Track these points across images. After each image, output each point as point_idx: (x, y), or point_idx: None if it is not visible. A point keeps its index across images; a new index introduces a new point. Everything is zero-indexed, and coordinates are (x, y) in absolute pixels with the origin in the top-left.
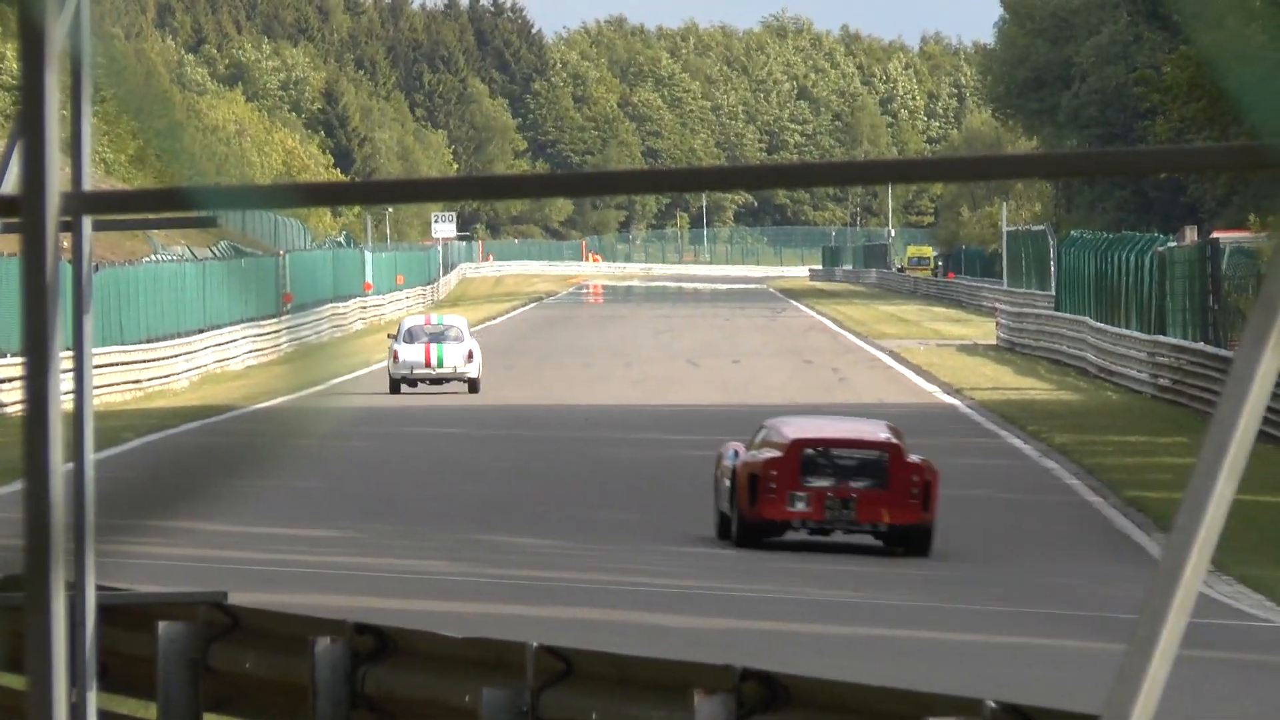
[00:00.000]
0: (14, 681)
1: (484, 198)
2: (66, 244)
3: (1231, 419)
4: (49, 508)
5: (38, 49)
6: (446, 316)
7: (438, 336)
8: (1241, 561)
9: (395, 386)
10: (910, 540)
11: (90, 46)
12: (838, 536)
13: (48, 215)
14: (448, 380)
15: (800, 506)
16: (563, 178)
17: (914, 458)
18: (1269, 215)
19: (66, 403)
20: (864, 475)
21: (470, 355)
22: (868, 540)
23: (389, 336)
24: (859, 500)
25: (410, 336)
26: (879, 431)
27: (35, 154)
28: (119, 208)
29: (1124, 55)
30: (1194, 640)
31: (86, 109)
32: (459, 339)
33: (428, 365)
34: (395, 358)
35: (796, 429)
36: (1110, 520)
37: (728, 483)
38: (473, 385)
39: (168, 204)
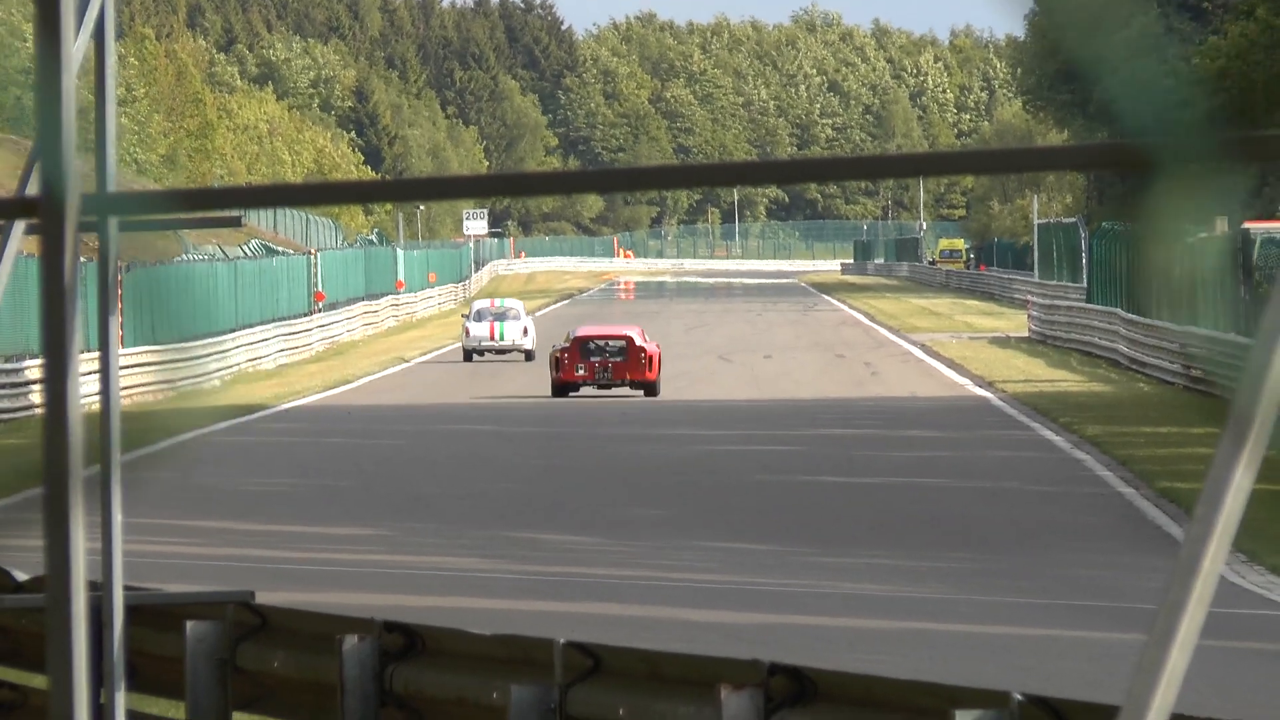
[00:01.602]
0: (43, 682)
1: (511, 194)
2: (96, 245)
3: (1249, 409)
4: (68, 509)
5: (54, 47)
6: (507, 300)
7: (500, 316)
8: (1274, 551)
9: (468, 356)
10: (645, 388)
11: (114, 47)
12: (615, 391)
13: (66, 215)
14: (508, 351)
15: (581, 372)
16: (584, 174)
17: (644, 344)
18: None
19: (93, 402)
20: (616, 354)
21: (525, 331)
22: (627, 391)
23: (463, 316)
24: (614, 367)
25: (479, 316)
26: (624, 330)
27: (53, 154)
28: (144, 208)
29: (1155, 47)
30: (1225, 631)
31: (111, 110)
32: (517, 318)
33: (492, 339)
34: (467, 333)
35: (581, 330)
36: (1143, 512)
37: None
38: (528, 355)
39: (194, 204)
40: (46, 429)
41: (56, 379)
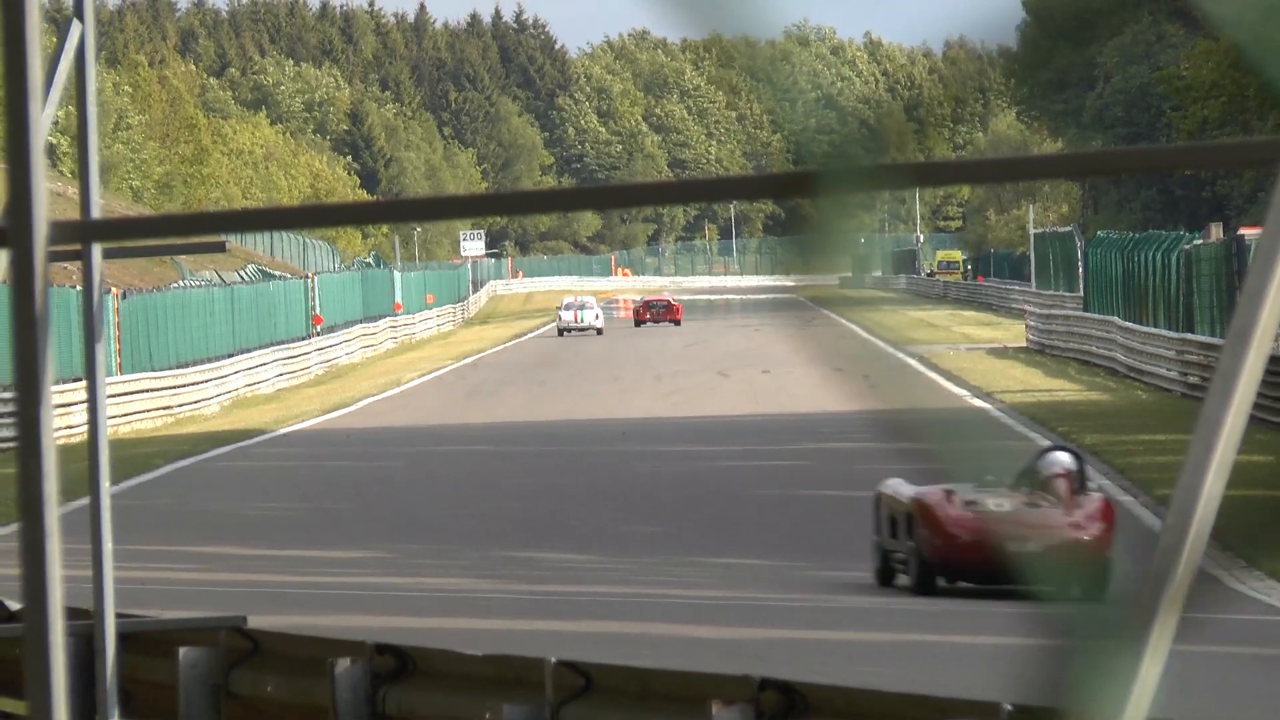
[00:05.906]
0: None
1: (506, 213)
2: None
3: (1218, 416)
4: (44, 538)
5: (21, 74)
6: (584, 297)
7: (581, 307)
8: (1273, 556)
9: (561, 333)
10: (675, 323)
11: (95, 74)
12: (661, 325)
13: (35, 243)
14: (587, 330)
15: (649, 316)
16: (578, 191)
17: (675, 303)
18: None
19: (82, 431)
20: (663, 307)
21: (597, 316)
22: (669, 326)
23: (556, 308)
24: (663, 313)
25: (567, 307)
26: (665, 296)
27: (20, 182)
28: (127, 234)
29: (1147, 55)
30: (1223, 635)
31: (93, 136)
32: (592, 308)
33: (576, 322)
34: (559, 318)
35: (646, 298)
36: (1141, 519)
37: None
38: (599, 331)
39: (178, 229)
40: (20, 458)
41: (28, 407)
